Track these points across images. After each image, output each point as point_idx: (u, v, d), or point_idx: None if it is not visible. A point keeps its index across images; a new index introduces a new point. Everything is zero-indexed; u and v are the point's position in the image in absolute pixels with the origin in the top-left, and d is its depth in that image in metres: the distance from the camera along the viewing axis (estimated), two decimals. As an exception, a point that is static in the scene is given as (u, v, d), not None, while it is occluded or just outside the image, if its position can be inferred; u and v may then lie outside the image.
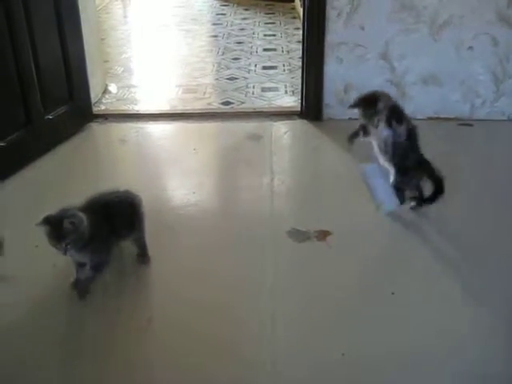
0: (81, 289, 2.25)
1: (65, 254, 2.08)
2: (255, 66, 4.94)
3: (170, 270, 2.41)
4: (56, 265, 2.33)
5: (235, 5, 7.01)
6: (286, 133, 3.61)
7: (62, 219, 2.04)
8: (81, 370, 1.94)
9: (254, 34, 5.93)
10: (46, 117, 3.30)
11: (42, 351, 2.00)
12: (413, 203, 2.68)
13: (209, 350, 2.00)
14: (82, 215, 2.10)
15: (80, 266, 2.24)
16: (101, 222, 2.18)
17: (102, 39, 5.11)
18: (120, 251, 2.42)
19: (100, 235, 2.17)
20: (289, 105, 4.07)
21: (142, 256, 2.43)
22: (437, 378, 1.89)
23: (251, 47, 5.47)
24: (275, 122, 3.71)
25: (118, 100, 4.23)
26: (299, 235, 2.58)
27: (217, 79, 4.71)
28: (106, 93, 4.31)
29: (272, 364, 1.94)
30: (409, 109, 3.61)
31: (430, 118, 3.67)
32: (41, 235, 2.07)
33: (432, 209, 2.68)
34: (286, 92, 4.33)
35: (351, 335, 2.06)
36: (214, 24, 6.44)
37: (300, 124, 3.72)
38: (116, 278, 2.35)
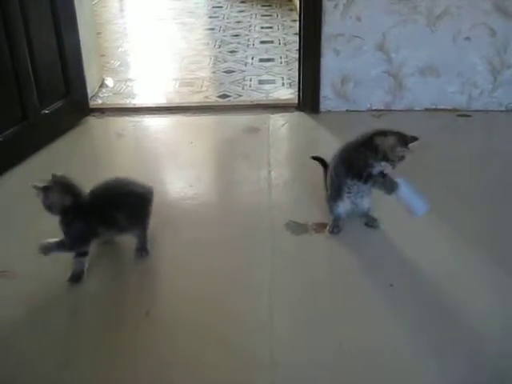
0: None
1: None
2: (252, 58, 4.93)
3: (167, 264, 2.41)
4: (57, 260, 2.33)
5: (232, -3, 7.00)
6: (283, 125, 3.61)
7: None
8: (78, 366, 1.94)
9: (250, 26, 5.91)
10: (43, 111, 3.29)
11: (39, 348, 2.00)
12: None
13: (206, 343, 1.99)
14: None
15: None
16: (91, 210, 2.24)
17: (98, 33, 5.09)
18: (117, 245, 2.42)
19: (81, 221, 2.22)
20: (286, 97, 4.06)
21: (141, 250, 2.42)
22: (434, 368, 1.89)
23: (248, 40, 5.46)
24: (272, 114, 3.71)
25: (114, 94, 4.22)
26: (297, 227, 2.58)
27: (214, 72, 4.70)
28: (103, 87, 4.30)
29: (270, 355, 1.94)
30: (406, 100, 3.64)
31: (428, 110, 3.67)
32: (40, 231, 2.07)
33: (429, 198, 2.69)
34: (283, 84, 4.32)
35: (349, 325, 2.05)
36: (211, 17, 6.42)
37: (297, 116, 3.71)
38: (114, 271, 2.35)
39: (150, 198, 2.42)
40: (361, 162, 2.37)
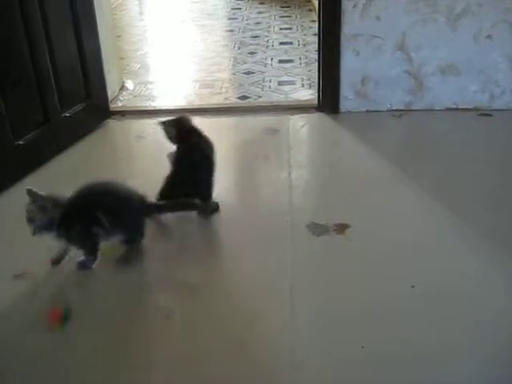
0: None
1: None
2: (271, 59, 4.93)
3: (187, 264, 2.41)
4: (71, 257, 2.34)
5: (250, -1, 7.01)
6: (303, 126, 3.60)
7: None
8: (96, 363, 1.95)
9: (269, 27, 5.91)
10: (64, 115, 3.31)
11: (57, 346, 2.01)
12: None
13: (227, 345, 1.99)
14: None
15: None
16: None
17: (118, 36, 5.12)
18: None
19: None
20: (306, 98, 4.06)
21: (123, 260, 2.41)
22: (458, 370, 1.87)
23: (267, 41, 5.46)
24: (292, 115, 3.70)
25: (134, 96, 4.24)
26: (318, 229, 2.57)
27: (233, 74, 4.70)
28: (123, 90, 4.32)
29: (291, 357, 1.93)
30: (427, 100, 3.62)
31: (449, 109, 3.64)
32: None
33: (450, 198, 2.67)
34: (302, 85, 4.31)
35: (371, 328, 2.04)
36: (230, 18, 6.43)
37: (317, 117, 3.70)
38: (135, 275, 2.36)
39: (131, 201, 2.39)
40: None
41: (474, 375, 1.85)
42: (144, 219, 2.42)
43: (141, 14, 6.99)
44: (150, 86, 4.44)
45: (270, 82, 4.41)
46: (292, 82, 4.38)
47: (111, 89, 3.95)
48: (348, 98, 3.67)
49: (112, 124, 3.72)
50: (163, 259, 2.43)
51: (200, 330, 2.06)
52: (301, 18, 6.11)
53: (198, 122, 3.68)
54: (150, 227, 2.45)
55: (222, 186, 2.83)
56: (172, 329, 2.08)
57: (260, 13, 6.46)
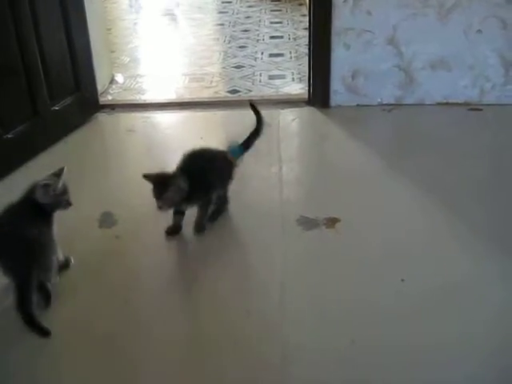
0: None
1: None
2: (262, 53, 4.92)
3: (184, 257, 2.43)
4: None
5: (241, -8, 6.99)
6: (293, 120, 3.59)
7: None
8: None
9: (260, 21, 5.89)
10: (53, 108, 3.29)
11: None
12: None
13: (216, 341, 1.99)
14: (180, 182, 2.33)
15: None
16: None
17: (108, 29, 5.09)
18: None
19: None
20: (296, 92, 4.05)
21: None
22: (448, 368, 1.88)
23: (258, 35, 5.44)
24: (283, 109, 3.69)
25: (124, 90, 4.23)
26: (308, 223, 2.57)
27: (223, 68, 4.69)
28: (113, 83, 4.30)
29: (282, 354, 1.94)
30: (417, 94, 3.62)
31: (439, 104, 3.64)
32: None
33: (440, 193, 2.68)
34: (293, 79, 4.30)
35: (360, 322, 2.04)
36: (220, 12, 6.40)
37: (308, 111, 3.70)
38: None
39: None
40: None
41: (467, 371, 1.86)
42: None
43: (131, 7, 6.94)
44: (140, 80, 4.42)
45: (261, 76, 4.40)
46: (282, 76, 4.37)
47: (101, 82, 3.93)
48: (338, 92, 3.67)
49: (102, 118, 3.70)
50: (151, 253, 2.43)
51: (189, 325, 2.06)
52: (291, 12, 6.09)
53: (187, 116, 3.71)
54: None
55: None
56: (161, 322, 2.08)
57: (250, 7, 6.43)
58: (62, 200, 2.18)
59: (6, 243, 2.07)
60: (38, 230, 2.09)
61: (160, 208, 2.34)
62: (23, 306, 1.98)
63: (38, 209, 2.13)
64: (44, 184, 2.14)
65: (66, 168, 2.19)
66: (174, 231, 2.53)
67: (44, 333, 1.98)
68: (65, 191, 2.18)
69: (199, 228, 2.53)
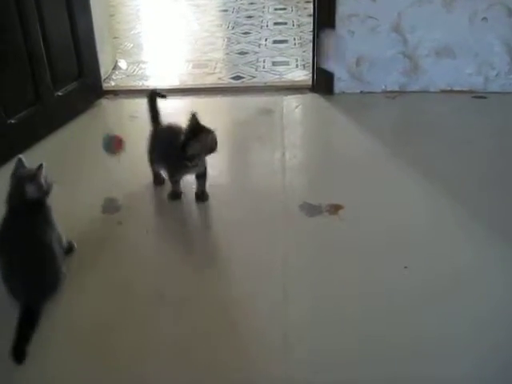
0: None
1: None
2: (266, 40, 4.90)
3: (183, 244, 2.42)
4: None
5: (245, -22, 6.94)
6: (297, 107, 3.58)
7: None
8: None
9: (264, 7, 5.87)
10: (56, 94, 3.29)
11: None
12: None
13: (218, 325, 2.00)
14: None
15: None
16: None
17: (111, 15, 5.07)
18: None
19: None
20: (300, 79, 4.04)
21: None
22: (452, 360, 1.88)
23: (261, 21, 5.42)
24: (286, 96, 3.68)
25: (127, 76, 4.21)
26: (311, 209, 2.57)
27: (227, 54, 4.67)
28: (116, 69, 4.29)
29: (283, 338, 1.94)
30: (422, 81, 3.61)
31: (444, 91, 3.63)
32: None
33: (443, 180, 2.68)
34: (297, 66, 4.29)
35: (363, 309, 2.04)
36: (224, -2, 6.38)
37: (311, 98, 3.69)
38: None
39: None
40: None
41: (472, 360, 1.86)
42: None
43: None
44: (143, 66, 4.41)
45: (264, 62, 4.39)
46: (286, 63, 4.35)
47: (104, 68, 3.92)
48: (342, 79, 3.66)
49: (105, 103, 3.70)
50: (153, 240, 2.43)
51: (191, 312, 2.06)
52: (295, -1, 6.07)
53: (191, 102, 3.70)
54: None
55: (216, 166, 2.82)
56: (165, 308, 2.09)
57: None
58: (49, 183, 2.16)
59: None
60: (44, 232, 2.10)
61: (187, 163, 2.50)
62: (23, 336, 1.91)
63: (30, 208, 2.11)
64: (30, 176, 2.11)
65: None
66: (176, 196, 2.65)
67: (18, 359, 1.86)
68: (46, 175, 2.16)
69: (206, 196, 2.64)
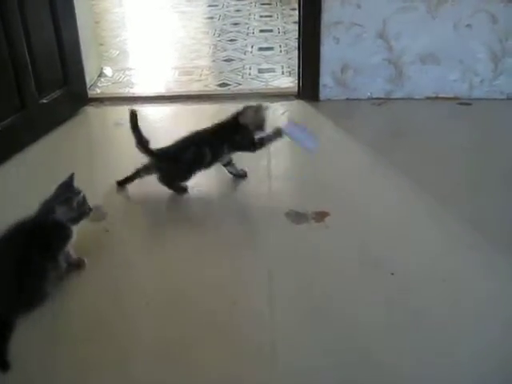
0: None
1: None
2: (252, 47, 4.91)
3: (168, 251, 2.40)
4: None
5: (231, -14, 6.96)
6: (283, 114, 3.59)
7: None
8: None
9: (250, 15, 5.89)
10: (41, 101, 3.27)
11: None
12: None
13: (204, 332, 1.99)
14: None
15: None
16: None
17: (97, 22, 5.07)
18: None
19: None
20: (286, 86, 4.05)
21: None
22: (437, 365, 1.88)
23: (247, 28, 5.44)
24: (272, 103, 3.68)
25: (113, 83, 4.20)
26: (297, 217, 2.56)
27: (213, 61, 4.68)
28: (102, 76, 4.28)
29: (270, 344, 1.94)
30: (407, 88, 3.62)
31: (428, 98, 3.65)
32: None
33: (429, 187, 2.69)
34: (282, 73, 4.30)
35: (349, 315, 2.04)
36: (210, 5, 6.39)
37: (297, 105, 3.69)
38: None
39: None
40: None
41: (461, 364, 1.86)
42: None
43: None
44: (128, 73, 4.40)
45: (250, 69, 4.39)
46: (272, 70, 4.36)
47: (89, 75, 3.91)
48: (328, 85, 3.67)
49: (90, 111, 3.68)
50: (141, 246, 2.42)
51: (177, 316, 2.06)
52: (281, 6, 6.09)
53: (177, 109, 3.69)
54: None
55: (202, 174, 2.82)
56: (151, 310, 2.08)
57: (240, 0, 6.41)
58: (85, 209, 2.17)
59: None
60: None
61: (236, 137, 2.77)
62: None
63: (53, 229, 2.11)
64: (65, 199, 2.12)
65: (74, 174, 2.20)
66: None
67: (3, 366, 1.85)
68: (85, 199, 2.18)
69: (244, 172, 2.90)
